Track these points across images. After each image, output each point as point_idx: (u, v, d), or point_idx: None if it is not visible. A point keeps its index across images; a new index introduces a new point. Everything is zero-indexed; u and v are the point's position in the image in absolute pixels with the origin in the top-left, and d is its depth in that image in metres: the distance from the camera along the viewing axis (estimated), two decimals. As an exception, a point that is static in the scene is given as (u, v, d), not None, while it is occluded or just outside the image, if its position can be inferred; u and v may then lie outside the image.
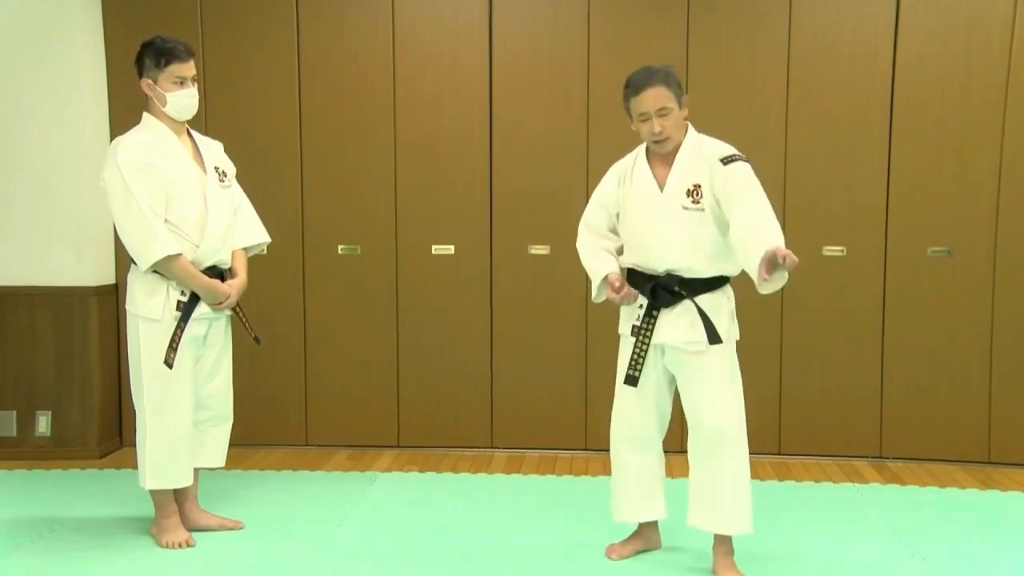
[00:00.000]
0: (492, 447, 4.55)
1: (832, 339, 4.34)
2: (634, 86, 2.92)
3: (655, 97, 2.87)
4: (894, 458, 4.36)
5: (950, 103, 4.19)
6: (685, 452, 3.08)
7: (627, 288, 3.01)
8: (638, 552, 3.15)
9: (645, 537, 3.16)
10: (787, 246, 2.70)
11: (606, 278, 3.05)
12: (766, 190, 2.89)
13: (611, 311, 4.31)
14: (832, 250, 4.31)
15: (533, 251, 4.45)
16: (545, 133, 4.40)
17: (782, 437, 4.41)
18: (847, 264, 4.31)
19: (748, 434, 2.98)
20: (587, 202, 4.30)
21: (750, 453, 3.00)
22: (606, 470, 4.17)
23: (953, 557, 3.17)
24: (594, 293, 3.15)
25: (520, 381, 4.51)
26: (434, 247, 4.49)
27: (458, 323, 4.51)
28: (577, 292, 4.43)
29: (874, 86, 4.24)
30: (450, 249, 4.48)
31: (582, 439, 4.49)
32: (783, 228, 2.84)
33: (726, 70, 4.30)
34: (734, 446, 2.93)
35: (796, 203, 4.30)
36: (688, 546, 3.19)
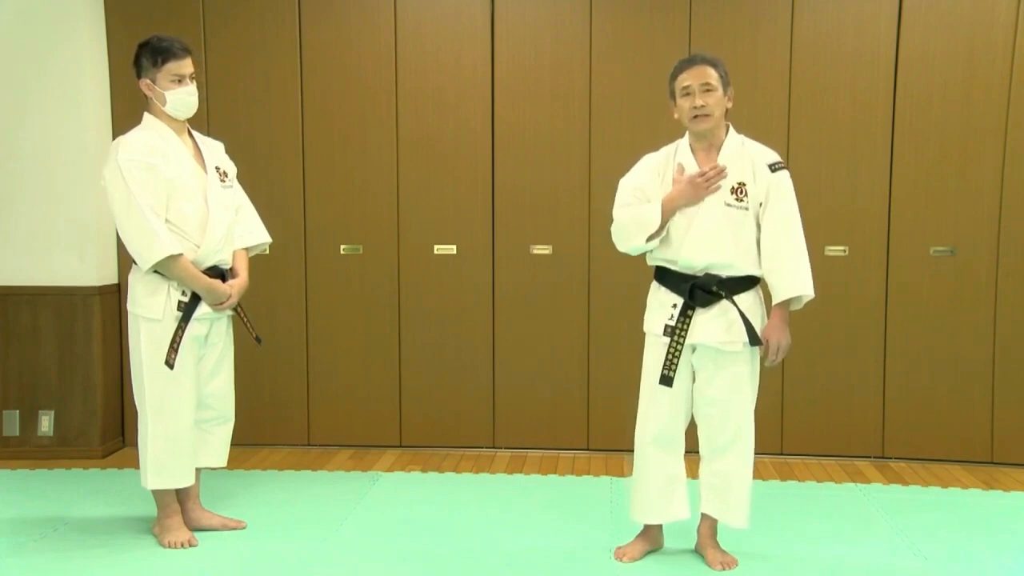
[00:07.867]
0: (494, 447, 4.55)
1: (834, 339, 4.34)
2: (680, 64, 3.00)
3: (700, 73, 2.94)
4: (896, 458, 4.35)
5: (953, 102, 4.18)
6: (690, 451, 3.09)
7: (715, 166, 2.90)
8: (646, 553, 3.15)
9: (652, 537, 3.16)
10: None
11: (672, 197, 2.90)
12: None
13: (613, 310, 4.33)
14: (834, 250, 4.30)
15: (535, 251, 4.44)
16: (547, 132, 4.39)
17: (784, 437, 4.40)
18: (849, 264, 4.30)
19: (749, 433, 3.04)
20: (588, 202, 4.36)
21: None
22: (608, 470, 4.19)
23: (955, 557, 3.17)
24: (650, 229, 2.93)
25: (522, 381, 4.50)
26: (436, 247, 4.49)
27: (460, 323, 4.51)
28: (579, 292, 4.42)
29: (876, 85, 4.23)
30: (452, 249, 4.48)
31: (584, 439, 4.49)
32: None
33: (728, 69, 4.26)
34: (750, 444, 3.02)
35: (798, 202, 4.27)
36: (690, 546, 3.18)
